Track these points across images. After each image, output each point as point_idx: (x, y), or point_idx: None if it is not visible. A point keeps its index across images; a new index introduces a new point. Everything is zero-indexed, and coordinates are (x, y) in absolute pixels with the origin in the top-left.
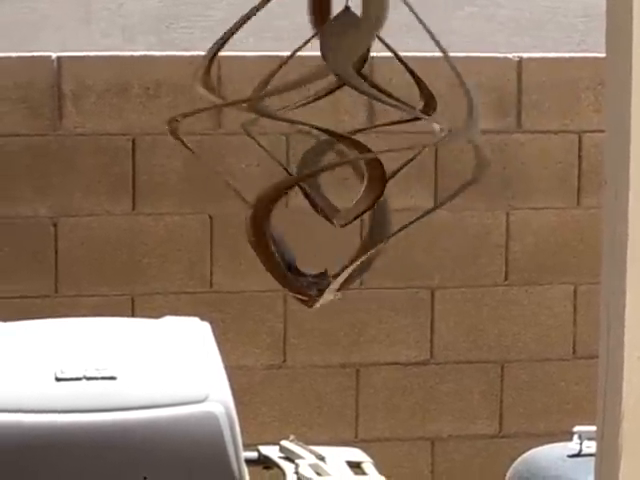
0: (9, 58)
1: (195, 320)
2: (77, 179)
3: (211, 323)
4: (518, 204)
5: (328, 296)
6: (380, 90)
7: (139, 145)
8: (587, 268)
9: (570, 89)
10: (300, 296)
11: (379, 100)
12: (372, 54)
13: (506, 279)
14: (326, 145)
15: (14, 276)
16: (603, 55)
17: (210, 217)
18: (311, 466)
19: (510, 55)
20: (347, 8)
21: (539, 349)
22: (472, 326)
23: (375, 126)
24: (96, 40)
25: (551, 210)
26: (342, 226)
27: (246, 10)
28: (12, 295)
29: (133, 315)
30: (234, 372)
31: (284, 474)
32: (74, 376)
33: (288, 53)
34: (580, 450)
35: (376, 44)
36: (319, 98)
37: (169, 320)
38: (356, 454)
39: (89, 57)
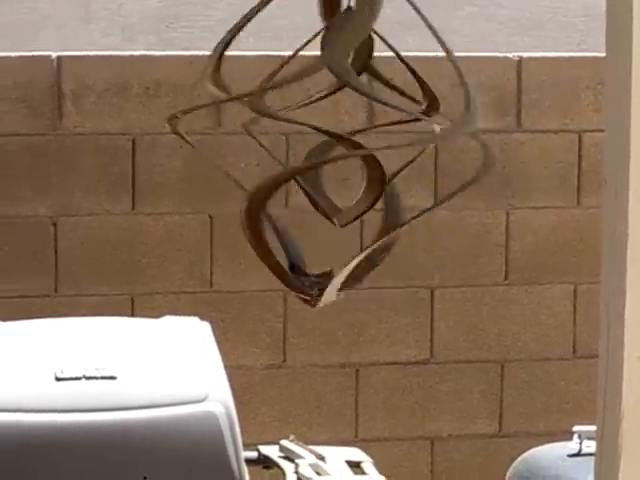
0: (9, 57)
1: (195, 320)
2: (77, 179)
3: (211, 323)
4: (518, 203)
5: (331, 296)
6: (392, 87)
7: (139, 145)
8: (587, 268)
9: (570, 89)
10: (302, 295)
11: (372, 98)
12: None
13: (506, 278)
14: (330, 144)
15: (14, 276)
16: (603, 55)
17: (210, 217)
18: (311, 466)
19: (510, 55)
20: (349, 8)
21: (539, 349)
22: (472, 325)
23: (375, 126)
24: (96, 40)
25: (551, 209)
26: (342, 226)
27: (246, 10)
28: (12, 295)
29: (133, 315)
30: (234, 372)
31: (284, 474)
32: (74, 376)
33: (287, 52)
34: (580, 450)
35: (378, 44)
36: (322, 98)
37: (169, 320)
38: (356, 454)
39: (89, 57)
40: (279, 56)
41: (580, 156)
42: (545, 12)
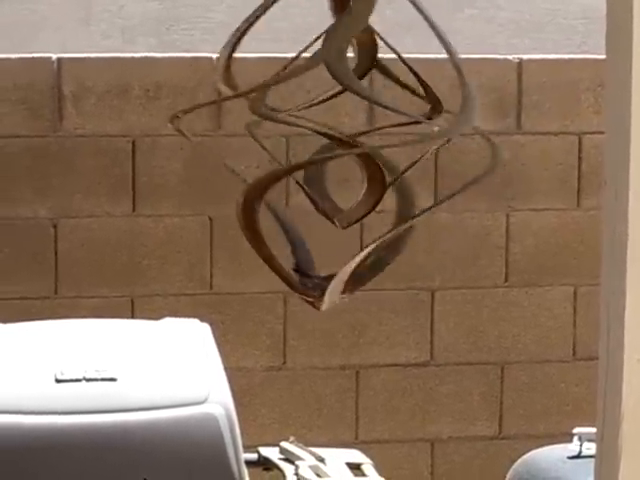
0: (9, 59)
1: (195, 321)
2: (77, 180)
3: (211, 324)
4: (518, 205)
5: (334, 297)
6: (402, 85)
7: (139, 147)
8: (587, 269)
9: (570, 90)
10: (305, 297)
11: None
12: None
13: (506, 280)
14: (332, 147)
15: (14, 277)
16: (603, 57)
17: (210, 219)
18: (311, 467)
19: (510, 57)
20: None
21: (539, 350)
22: (472, 327)
23: (377, 128)
24: (96, 41)
25: (551, 211)
26: (344, 228)
27: (246, 12)
28: (12, 296)
29: (133, 316)
30: (234, 373)
31: (284, 475)
32: (74, 377)
33: (287, 54)
34: (580, 452)
35: (380, 45)
36: (324, 101)
37: (169, 321)
38: (356, 455)
39: (89, 58)
40: (279, 58)
41: (580, 158)
42: (545, 14)
